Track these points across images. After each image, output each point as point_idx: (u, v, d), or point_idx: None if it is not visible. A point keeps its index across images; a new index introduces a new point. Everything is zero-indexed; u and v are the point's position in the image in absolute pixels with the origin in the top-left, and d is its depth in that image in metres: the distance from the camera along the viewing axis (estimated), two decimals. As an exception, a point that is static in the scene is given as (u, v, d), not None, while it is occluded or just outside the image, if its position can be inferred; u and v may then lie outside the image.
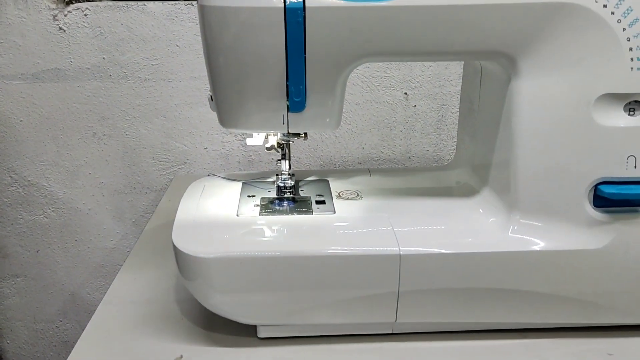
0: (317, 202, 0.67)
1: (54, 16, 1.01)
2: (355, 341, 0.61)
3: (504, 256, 0.57)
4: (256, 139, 0.68)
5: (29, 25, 1.01)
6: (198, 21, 0.58)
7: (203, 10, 0.55)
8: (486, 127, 0.65)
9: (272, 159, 1.11)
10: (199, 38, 0.75)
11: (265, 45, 0.55)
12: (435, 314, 0.60)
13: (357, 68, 1.09)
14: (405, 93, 1.08)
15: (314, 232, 0.60)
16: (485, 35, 0.55)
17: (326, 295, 0.58)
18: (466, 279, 0.58)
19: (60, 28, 1.01)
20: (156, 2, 1.01)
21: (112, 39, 1.02)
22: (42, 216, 1.13)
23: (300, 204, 0.67)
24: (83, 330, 0.63)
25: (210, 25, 0.55)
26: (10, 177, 1.10)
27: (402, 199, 0.68)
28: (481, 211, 0.63)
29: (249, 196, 0.69)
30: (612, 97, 0.55)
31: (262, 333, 0.61)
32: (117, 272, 0.75)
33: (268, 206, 0.66)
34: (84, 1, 1.00)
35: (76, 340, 0.61)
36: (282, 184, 0.69)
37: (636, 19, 0.53)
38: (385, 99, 1.09)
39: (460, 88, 0.94)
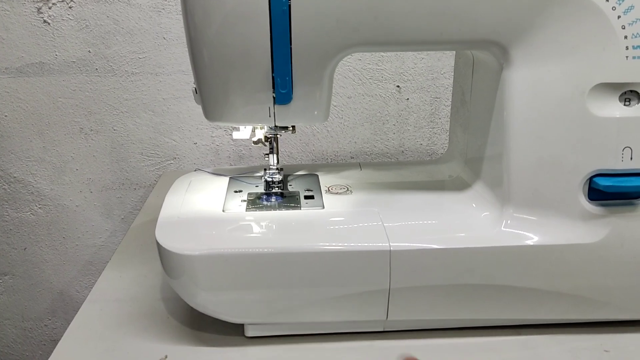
0: (306, 197, 0.66)
1: (38, 9, 0.99)
2: (345, 339, 0.60)
3: (497, 251, 0.56)
4: (243, 132, 0.67)
5: (12, 18, 0.99)
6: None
7: (186, 0, 0.53)
8: (478, 119, 0.64)
9: (263, 153, 1.10)
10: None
11: (250, 35, 0.53)
12: (427, 311, 0.59)
13: (349, 61, 1.09)
14: (398, 86, 1.07)
15: (301, 228, 0.59)
16: (476, 23, 0.54)
17: (315, 293, 0.57)
18: (459, 274, 0.56)
19: (45, 21, 0.99)
20: (142, -6, 0.99)
21: (98, 31, 1.00)
22: (28, 213, 1.11)
23: (288, 199, 0.65)
24: (71, 328, 0.62)
25: (194, 15, 0.53)
26: (-4, 173, 1.08)
27: (393, 193, 0.67)
28: (474, 205, 0.62)
29: (235, 191, 0.67)
30: (607, 87, 0.54)
31: (249, 332, 0.60)
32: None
33: (255, 201, 0.65)
34: (68, -7, 0.98)
35: (64, 339, 0.59)
36: (270, 179, 0.67)
37: (631, 6, 0.52)
38: (378, 92, 1.07)
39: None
